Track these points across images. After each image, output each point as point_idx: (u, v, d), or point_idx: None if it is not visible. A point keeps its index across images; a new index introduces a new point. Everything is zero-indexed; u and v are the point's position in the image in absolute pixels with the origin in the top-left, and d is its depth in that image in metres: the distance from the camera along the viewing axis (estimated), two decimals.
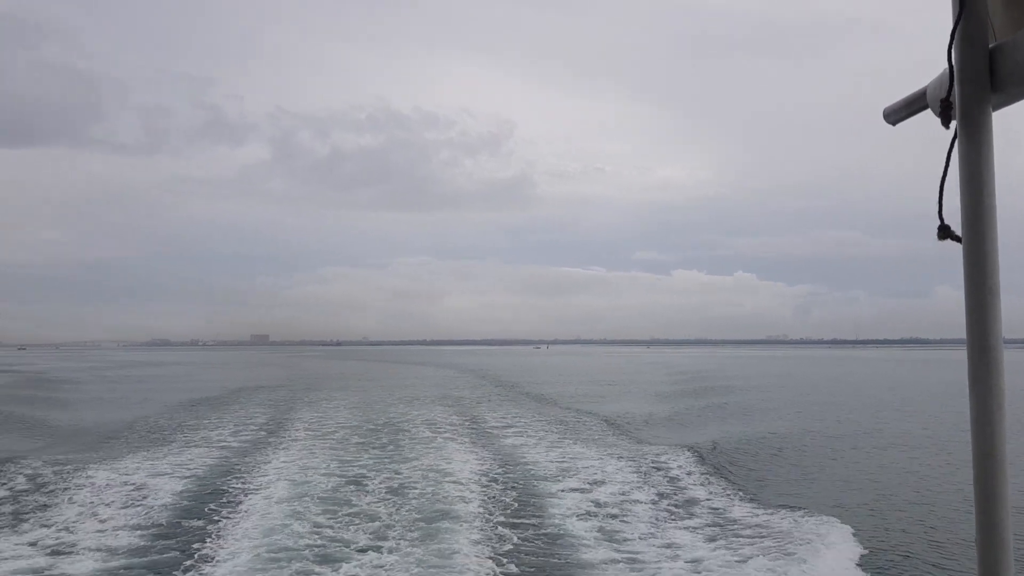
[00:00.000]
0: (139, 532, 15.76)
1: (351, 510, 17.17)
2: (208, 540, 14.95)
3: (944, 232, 1.68)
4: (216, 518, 16.68)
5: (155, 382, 75.39)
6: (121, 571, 13.47)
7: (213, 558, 13.76)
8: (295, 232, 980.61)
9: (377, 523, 16.09)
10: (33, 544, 14.97)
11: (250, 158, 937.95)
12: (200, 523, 16.34)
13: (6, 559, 14.01)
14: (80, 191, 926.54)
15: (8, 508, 18.04)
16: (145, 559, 14.03)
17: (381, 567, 13.26)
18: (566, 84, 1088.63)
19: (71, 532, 15.80)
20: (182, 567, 13.45)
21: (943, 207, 1.68)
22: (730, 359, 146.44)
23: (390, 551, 14.10)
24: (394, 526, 15.84)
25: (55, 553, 14.39)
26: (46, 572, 13.33)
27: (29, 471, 22.00)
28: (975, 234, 1.60)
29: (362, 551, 14.10)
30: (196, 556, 13.94)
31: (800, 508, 18.06)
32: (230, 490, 19.42)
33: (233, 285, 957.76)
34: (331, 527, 15.67)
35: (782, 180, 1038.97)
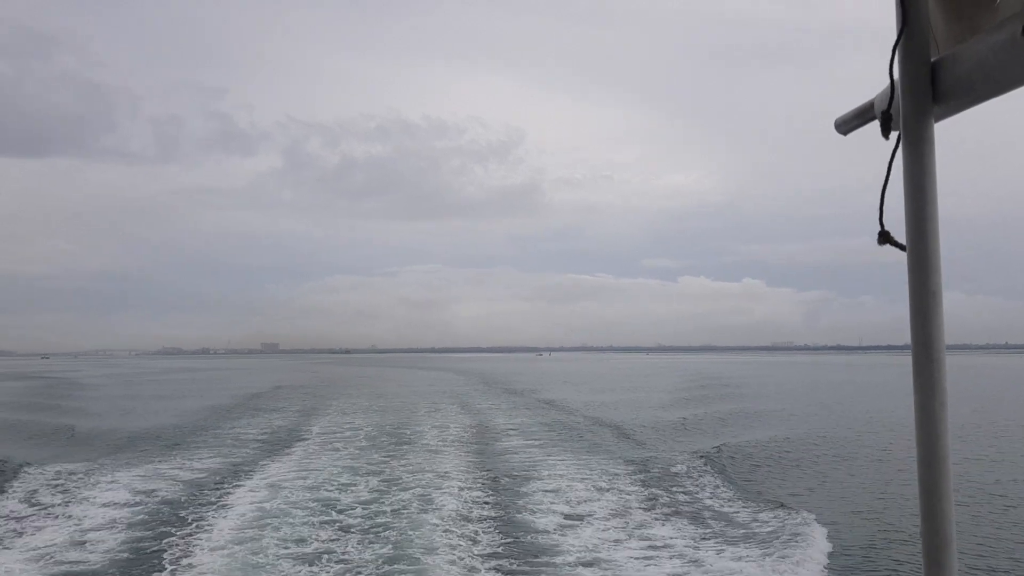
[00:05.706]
0: (131, 537, 16.03)
1: (333, 514, 17.35)
2: (192, 545, 15.15)
3: (884, 238, 1.76)
4: (206, 521, 17.01)
5: (198, 384, 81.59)
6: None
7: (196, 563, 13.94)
8: (305, 241, 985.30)
9: (360, 525, 16.35)
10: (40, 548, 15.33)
11: (261, 167, 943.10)
12: (185, 528, 16.59)
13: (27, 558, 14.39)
14: (92, 201, 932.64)
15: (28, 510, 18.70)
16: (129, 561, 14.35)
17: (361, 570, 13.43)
18: (575, 93, 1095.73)
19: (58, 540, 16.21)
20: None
21: (883, 214, 1.75)
22: (716, 365, 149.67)
23: (366, 552, 14.33)
24: (375, 532, 15.91)
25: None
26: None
27: (37, 480, 22.66)
28: (918, 241, 1.66)
29: (343, 557, 14.23)
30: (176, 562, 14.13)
31: (784, 507, 18.24)
32: (221, 497, 19.74)
33: (244, 294, 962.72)
34: (311, 535, 15.74)
35: (792, 187, 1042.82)
